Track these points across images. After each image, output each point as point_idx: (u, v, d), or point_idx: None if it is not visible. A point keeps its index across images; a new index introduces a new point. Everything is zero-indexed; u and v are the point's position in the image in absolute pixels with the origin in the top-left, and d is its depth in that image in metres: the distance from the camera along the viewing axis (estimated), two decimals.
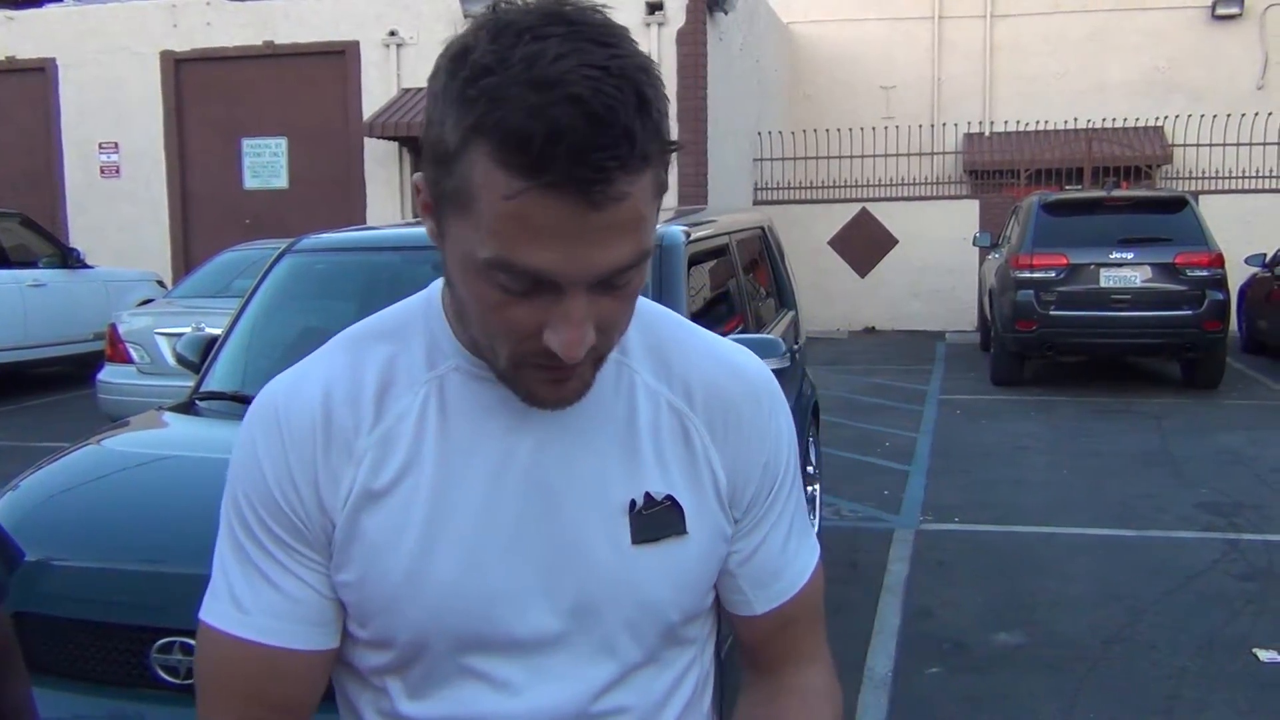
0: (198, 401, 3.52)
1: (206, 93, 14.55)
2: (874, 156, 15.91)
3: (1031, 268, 9.99)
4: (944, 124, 17.01)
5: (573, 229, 0.83)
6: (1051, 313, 9.88)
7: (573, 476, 1.01)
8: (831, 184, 15.84)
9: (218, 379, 3.57)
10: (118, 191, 14.87)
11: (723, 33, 13.72)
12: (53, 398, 10.45)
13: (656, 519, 1.02)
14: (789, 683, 1.14)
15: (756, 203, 15.47)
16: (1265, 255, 11.83)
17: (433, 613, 0.99)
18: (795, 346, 5.21)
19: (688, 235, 3.78)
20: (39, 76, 14.96)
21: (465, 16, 13.46)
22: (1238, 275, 11.26)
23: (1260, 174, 14.82)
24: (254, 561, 1.02)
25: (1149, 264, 9.80)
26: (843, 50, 18.54)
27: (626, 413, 1.04)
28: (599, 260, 0.85)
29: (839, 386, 10.36)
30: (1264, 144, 14.81)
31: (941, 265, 15.16)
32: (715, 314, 4.17)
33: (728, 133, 14.06)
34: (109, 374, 7.61)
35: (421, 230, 4.25)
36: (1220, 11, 17.35)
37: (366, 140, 13.88)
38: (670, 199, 13.21)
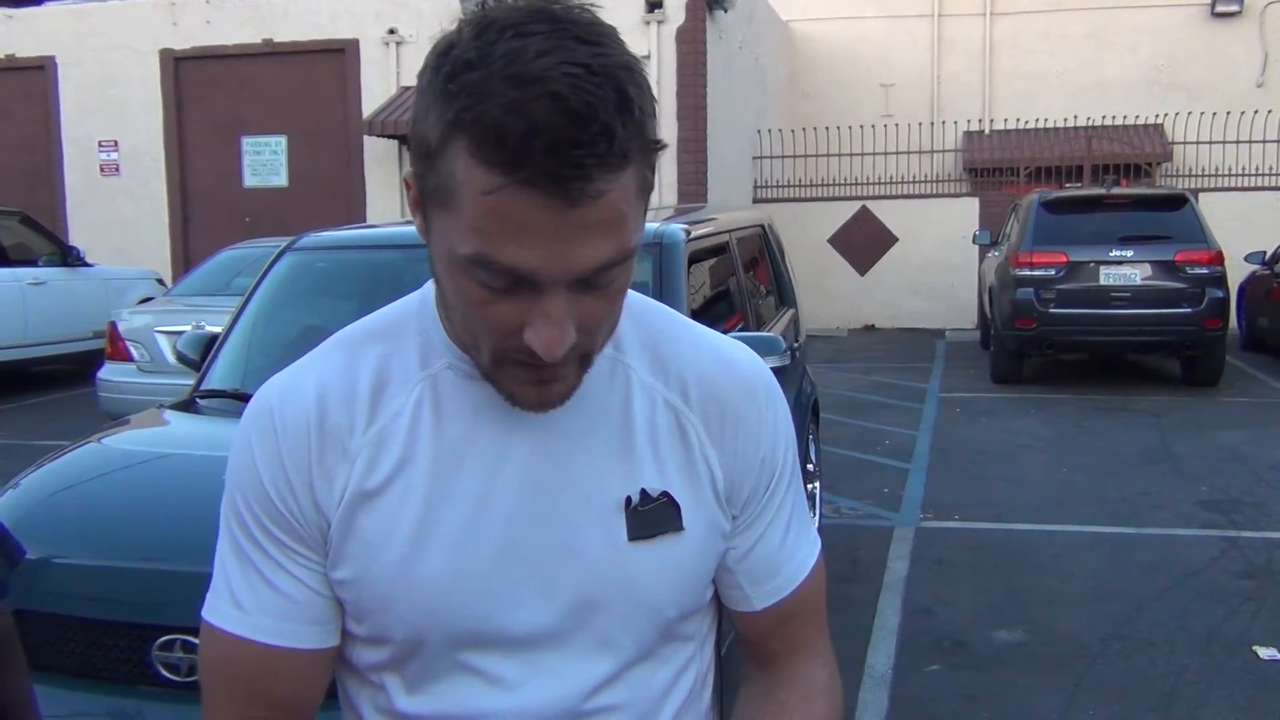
0: (198, 400, 3.52)
1: (206, 91, 14.55)
2: (874, 154, 15.91)
3: (1031, 265, 9.99)
4: (943, 122, 17.01)
5: (550, 226, 0.83)
6: (1051, 310, 9.88)
7: (568, 473, 1.01)
8: (831, 182, 15.84)
9: (218, 377, 3.58)
10: (117, 189, 14.87)
11: (722, 31, 13.71)
12: (53, 396, 10.46)
13: (652, 515, 1.02)
14: (789, 677, 1.14)
15: (756, 201, 15.47)
16: (1265, 253, 11.84)
17: (427, 610, 1.00)
18: (795, 344, 5.21)
19: (688, 233, 3.78)
20: (39, 74, 14.96)
21: (464, 15, 13.46)
22: (1237, 273, 11.26)
23: (1260, 172, 14.82)
24: (252, 561, 1.03)
25: (1149, 262, 9.80)
26: (842, 48, 18.54)
27: (622, 409, 1.04)
28: (578, 258, 0.85)
29: (839, 384, 10.37)
30: (1264, 142, 14.81)
31: (941, 263, 15.16)
32: (715, 312, 4.17)
33: (727, 131, 14.06)
34: (109, 372, 7.61)
35: None
36: (1220, 9, 17.35)
37: (366, 138, 13.87)
38: (670, 197, 13.22)
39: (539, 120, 0.80)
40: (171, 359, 6.60)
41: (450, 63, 0.84)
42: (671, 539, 1.03)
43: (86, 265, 11.20)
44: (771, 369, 1.13)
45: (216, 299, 7.88)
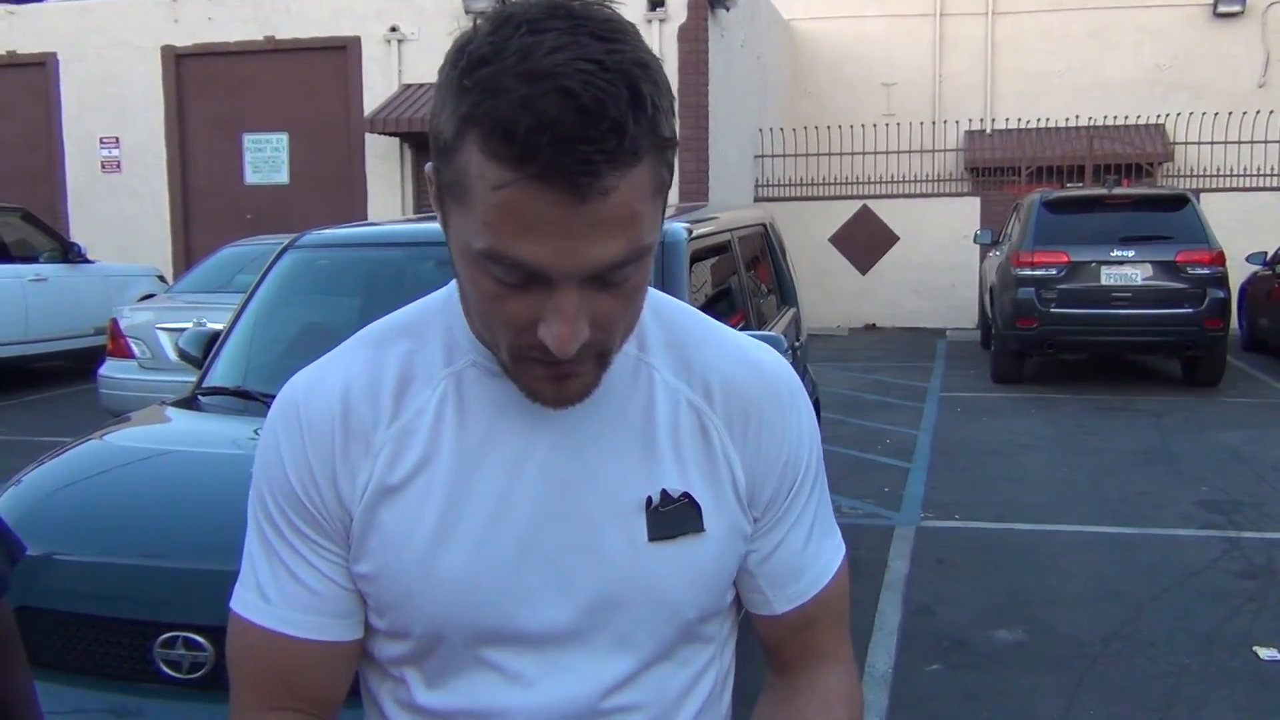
0: (200, 397, 3.52)
1: (208, 88, 14.55)
2: (875, 153, 15.91)
3: (1032, 265, 9.99)
4: (945, 121, 17.00)
5: (560, 222, 0.83)
6: (1052, 310, 9.88)
7: (589, 472, 1.01)
8: (833, 181, 15.84)
9: (220, 374, 3.58)
10: (119, 186, 14.87)
11: (724, 29, 13.71)
12: (54, 393, 10.46)
13: (673, 516, 1.02)
14: (808, 683, 1.13)
15: (758, 199, 15.46)
16: (1266, 253, 11.84)
17: (447, 605, 1.00)
18: (797, 343, 5.21)
19: (689, 232, 3.78)
20: (40, 71, 14.96)
21: (467, 12, 13.45)
22: (1239, 273, 11.26)
23: (1261, 172, 14.81)
24: (277, 553, 1.04)
25: (1150, 262, 9.80)
26: (844, 47, 18.53)
27: (644, 409, 1.03)
28: (589, 255, 0.85)
29: (840, 384, 10.37)
30: (1265, 142, 14.80)
31: (942, 262, 15.16)
32: (717, 311, 4.17)
33: (729, 129, 14.06)
34: (110, 369, 7.61)
35: (423, 227, 4.25)
36: (1222, 9, 17.33)
37: (368, 136, 13.88)
38: (671, 196, 13.18)
39: (549, 115, 0.80)
40: (173, 356, 6.60)
41: (465, 58, 0.84)
42: (692, 540, 1.02)
43: (88, 262, 11.20)
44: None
45: (218, 296, 7.89)
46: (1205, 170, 15.20)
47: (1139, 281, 9.80)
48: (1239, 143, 14.87)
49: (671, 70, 12.81)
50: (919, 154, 16.30)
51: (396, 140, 13.90)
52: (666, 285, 3.43)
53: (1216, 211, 12.60)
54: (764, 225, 5.59)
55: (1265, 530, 5.72)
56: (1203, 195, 13.11)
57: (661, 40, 12.85)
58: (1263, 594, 4.80)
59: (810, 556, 1.11)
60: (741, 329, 4.18)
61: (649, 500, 1.01)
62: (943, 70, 18.38)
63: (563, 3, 0.85)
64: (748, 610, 1.13)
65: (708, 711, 1.11)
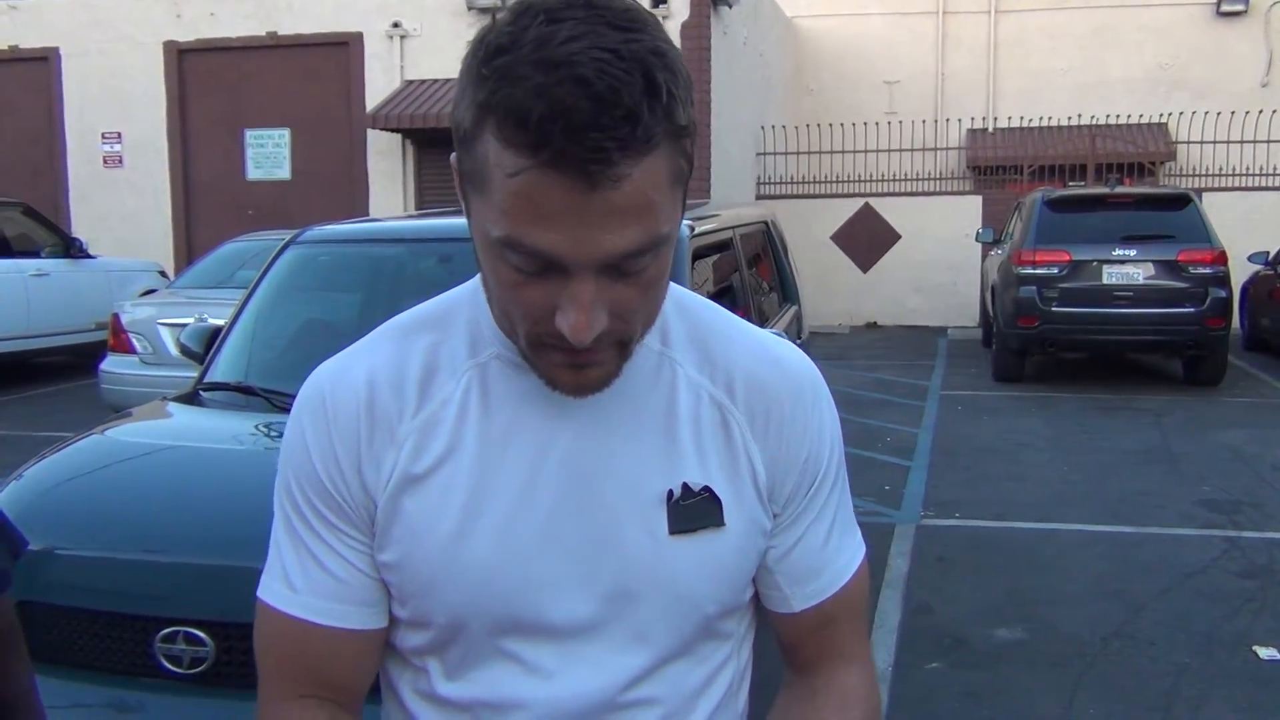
0: (201, 392, 3.52)
1: (210, 83, 14.55)
2: (877, 151, 15.90)
3: (1034, 264, 9.99)
4: (947, 119, 16.99)
5: (574, 210, 0.84)
6: (1053, 309, 9.87)
7: (611, 465, 1.02)
8: (834, 179, 15.83)
9: (221, 370, 3.58)
10: (120, 181, 14.88)
11: (727, 26, 13.71)
12: (55, 387, 10.46)
13: (694, 510, 1.02)
14: (825, 684, 1.13)
15: (760, 197, 15.46)
16: (1268, 253, 11.84)
17: (469, 595, 1.01)
18: (798, 341, 5.21)
19: (691, 229, 3.78)
20: (42, 66, 14.96)
21: (469, 9, 13.45)
22: (1240, 273, 11.26)
23: (1264, 171, 14.80)
24: (304, 542, 1.05)
25: (1151, 261, 9.79)
26: (846, 45, 18.52)
27: (666, 404, 1.04)
28: (604, 244, 0.85)
29: (840, 382, 10.36)
30: (1268, 141, 14.79)
31: (944, 261, 15.16)
32: None
33: (731, 127, 14.05)
34: (111, 364, 7.61)
35: (424, 223, 4.24)
36: (1225, 8, 17.32)
37: (369, 132, 13.87)
38: None
39: (563, 103, 0.80)
40: (174, 351, 6.61)
41: (484, 47, 0.85)
42: (712, 534, 1.03)
43: (89, 257, 11.21)
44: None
45: (219, 291, 7.89)
46: (1207, 170, 15.19)
47: (1140, 281, 9.80)
48: (1241, 142, 14.86)
49: None
50: (921, 152, 16.29)
51: (398, 136, 13.90)
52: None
53: (1218, 211, 12.59)
54: (766, 223, 5.59)
55: (1265, 530, 5.72)
56: (1205, 195, 13.10)
57: None
58: (1262, 594, 4.80)
59: (829, 555, 1.11)
60: None
61: (670, 493, 1.02)
62: (945, 68, 18.37)
63: None
64: (766, 608, 1.13)
65: (724, 708, 1.11)
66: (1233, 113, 15.02)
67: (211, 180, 14.70)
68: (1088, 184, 13.87)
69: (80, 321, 10.55)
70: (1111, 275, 9.84)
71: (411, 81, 13.79)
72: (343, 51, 14.15)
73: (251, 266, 7.36)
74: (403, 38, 13.91)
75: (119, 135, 14.84)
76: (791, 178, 15.95)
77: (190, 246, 14.39)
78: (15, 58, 15.02)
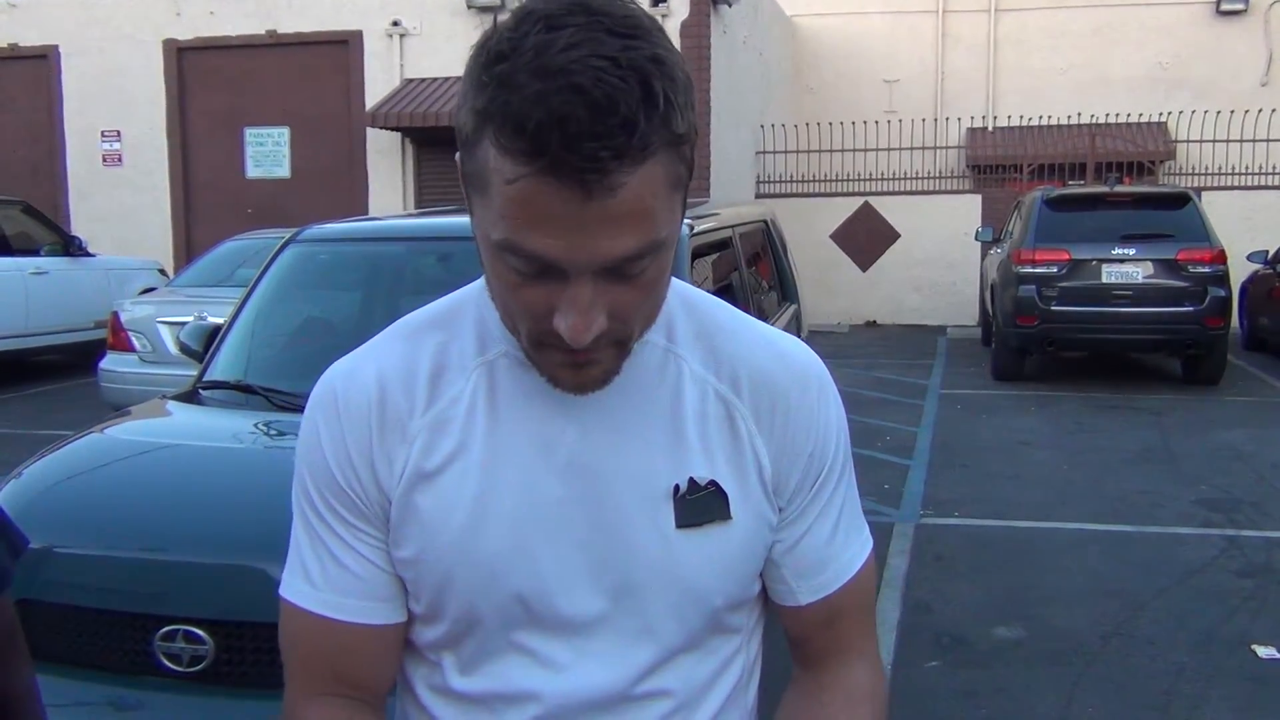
0: (201, 390, 3.52)
1: (209, 81, 14.54)
2: (877, 150, 15.90)
3: (1034, 263, 9.99)
4: (947, 118, 16.99)
5: (571, 217, 0.84)
6: (1053, 308, 9.88)
7: (617, 461, 1.03)
8: (834, 177, 15.83)
9: (221, 368, 3.58)
10: (120, 180, 14.87)
11: (726, 25, 13.70)
12: (54, 386, 10.46)
13: (700, 504, 1.03)
14: (832, 679, 1.13)
15: (759, 196, 15.46)
16: (1267, 252, 11.84)
17: (482, 588, 1.03)
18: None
19: (691, 228, 3.79)
20: (42, 64, 14.95)
21: (469, 7, 13.45)
22: (1240, 272, 11.25)
23: (1263, 170, 14.80)
24: (321, 539, 1.06)
25: (1151, 260, 9.80)
26: (846, 43, 18.52)
27: (672, 399, 1.05)
28: (601, 249, 0.86)
29: (840, 380, 10.13)
30: (1268, 140, 14.79)
31: (943, 260, 15.16)
32: None
33: (731, 125, 14.05)
34: (111, 362, 7.60)
35: (424, 222, 4.24)
36: (1225, 7, 17.33)
37: (369, 130, 13.87)
38: None
39: (560, 112, 0.81)
40: (174, 350, 6.61)
41: (485, 53, 0.86)
42: (719, 528, 1.04)
43: (89, 255, 11.20)
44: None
45: (219, 290, 7.89)
46: (1207, 169, 15.19)
47: (1140, 280, 9.80)
48: (1241, 141, 14.86)
49: None
50: (920, 151, 16.29)
51: (398, 135, 13.90)
52: None
53: (1218, 210, 12.60)
54: (765, 221, 5.59)
55: (1264, 529, 5.72)
56: (1204, 194, 13.10)
57: None
58: (1261, 593, 4.81)
59: (836, 549, 1.12)
60: None
61: (676, 488, 1.03)
62: (945, 67, 18.37)
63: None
64: (773, 602, 1.14)
65: (734, 702, 1.12)
66: (1232, 112, 15.02)
67: (211, 178, 14.69)
68: (1087, 183, 13.86)
69: (80, 320, 10.55)
70: (1111, 274, 9.85)
71: (411, 80, 13.78)
72: (342, 50, 14.15)
73: (251, 265, 7.36)
74: (402, 36, 13.90)
75: (118, 133, 14.84)
76: (791, 176, 15.95)
77: (190, 245, 14.38)
78: (15, 56, 15.01)
